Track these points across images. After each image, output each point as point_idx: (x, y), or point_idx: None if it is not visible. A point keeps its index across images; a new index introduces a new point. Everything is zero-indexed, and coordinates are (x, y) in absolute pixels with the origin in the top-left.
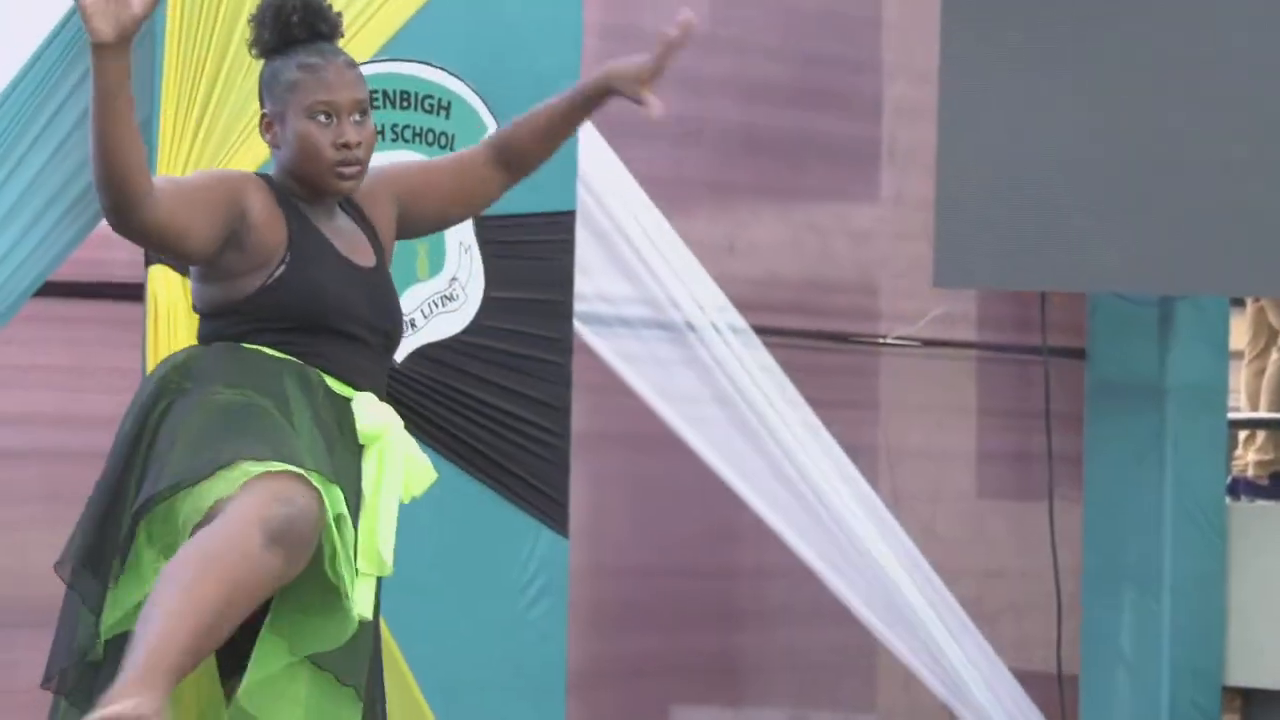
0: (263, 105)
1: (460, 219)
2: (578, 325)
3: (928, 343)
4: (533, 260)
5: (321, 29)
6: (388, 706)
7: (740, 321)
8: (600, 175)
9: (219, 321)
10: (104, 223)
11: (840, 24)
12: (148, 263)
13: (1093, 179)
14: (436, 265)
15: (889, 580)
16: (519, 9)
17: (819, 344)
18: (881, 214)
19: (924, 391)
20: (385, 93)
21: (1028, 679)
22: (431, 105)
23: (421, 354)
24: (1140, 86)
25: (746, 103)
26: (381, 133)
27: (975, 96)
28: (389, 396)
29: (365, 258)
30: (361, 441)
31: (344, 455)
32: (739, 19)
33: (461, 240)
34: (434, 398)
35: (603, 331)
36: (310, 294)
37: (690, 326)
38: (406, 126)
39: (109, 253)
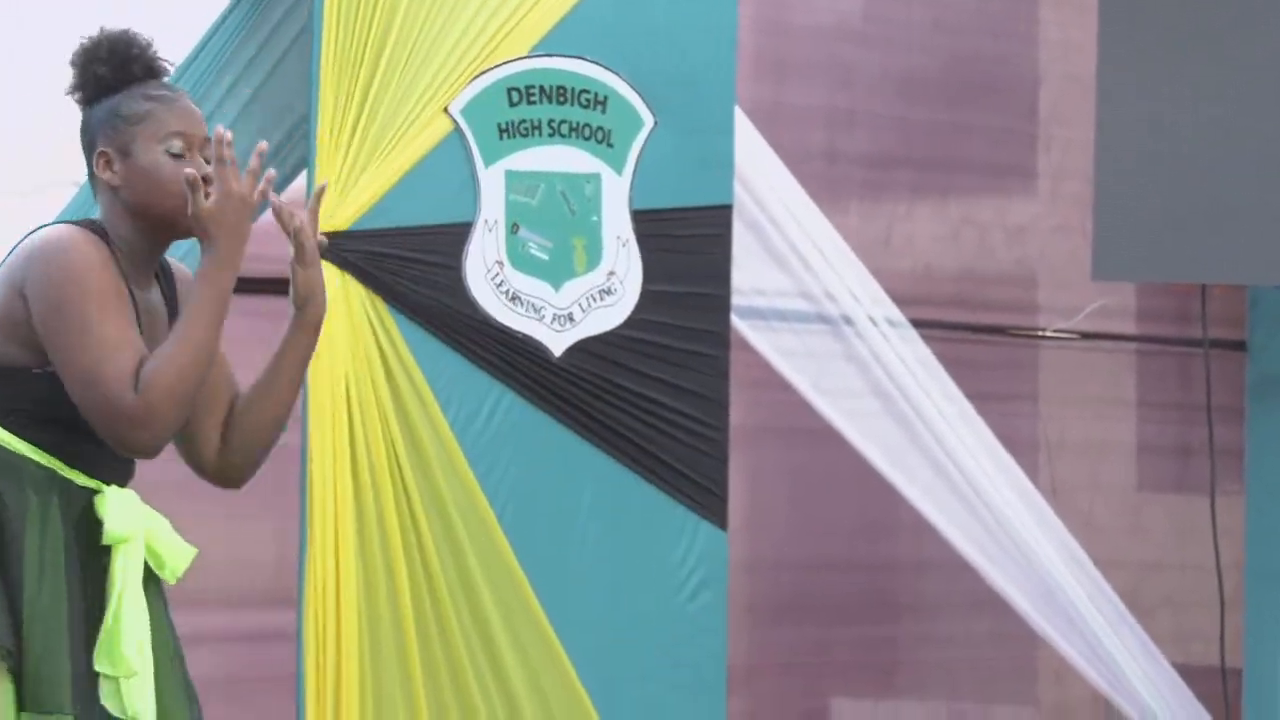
0: (97, 144)
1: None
2: (735, 320)
3: (1086, 335)
4: (690, 254)
5: (156, 69)
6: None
7: (897, 315)
8: (756, 169)
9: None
10: (261, 218)
11: (995, 16)
12: None
13: (1254, 170)
14: (594, 259)
15: (1047, 573)
16: (674, 3)
17: (977, 337)
18: (1039, 207)
19: (1083, 384)
20: (542, 88)
21: (1186, 673)
22: (588, 100)
23: (579, 348)
24: None
25: (901, 96)
26: (538, 127)
27: (1134, 87)
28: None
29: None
30: (106, 541)
31: (88, 561)
32: (891, 13)
33: (619, 234)
34: (592, 391)
35: (760, 326)
36: None
37: (847, 320)
38: (563, 121)
39: (265, 247)
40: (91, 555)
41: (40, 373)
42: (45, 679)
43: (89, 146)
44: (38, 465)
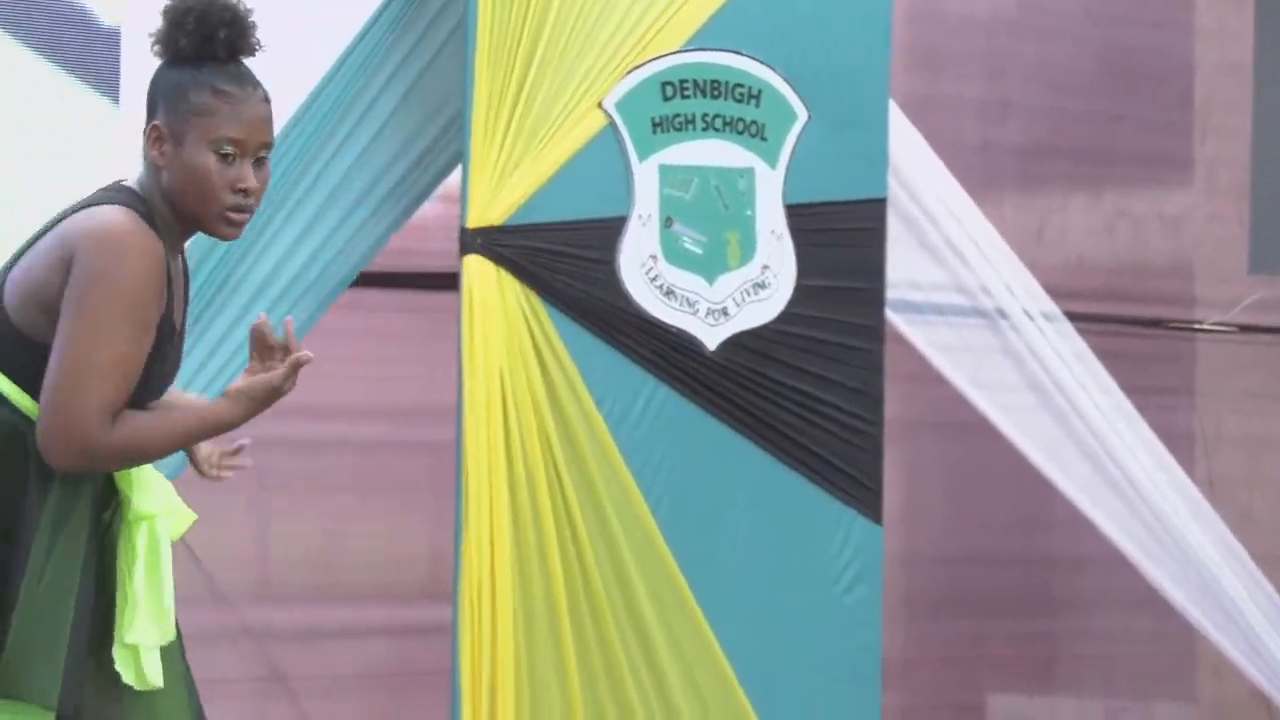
0: (154, 114)
1: None
2: (889, 314)
3: (1244, 328)
4: (844, 248)
5: (243, 48)
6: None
7: (1052, 308)
8: (910, 162)
9: (23, 356)
10: (418, 213)
11: (1150, 4)
12: (462, 252)
13: None
14: (748, 253)
15: (1204, 567)
16: None
17: (1132, 330)
18: (1194, 197)
19: (1241, 377)
20: (695, 82)
21: None
22: (742, 94)
23: (734, 342)
24: None
25: (1054, 87)
26: (692, 121)
27: None
28: None
29: (179, 314)
30: (131, 519)
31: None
32: (1045, 2)
33: (773, 228)
34: (747, 385)
35: (914, 319)
36: (143, 385)
37: (1002, 314)
38: (717, 116)
39: (420, 243)
40: (102, 525)
41: None
42: (31, 667)
43: (149, 109)
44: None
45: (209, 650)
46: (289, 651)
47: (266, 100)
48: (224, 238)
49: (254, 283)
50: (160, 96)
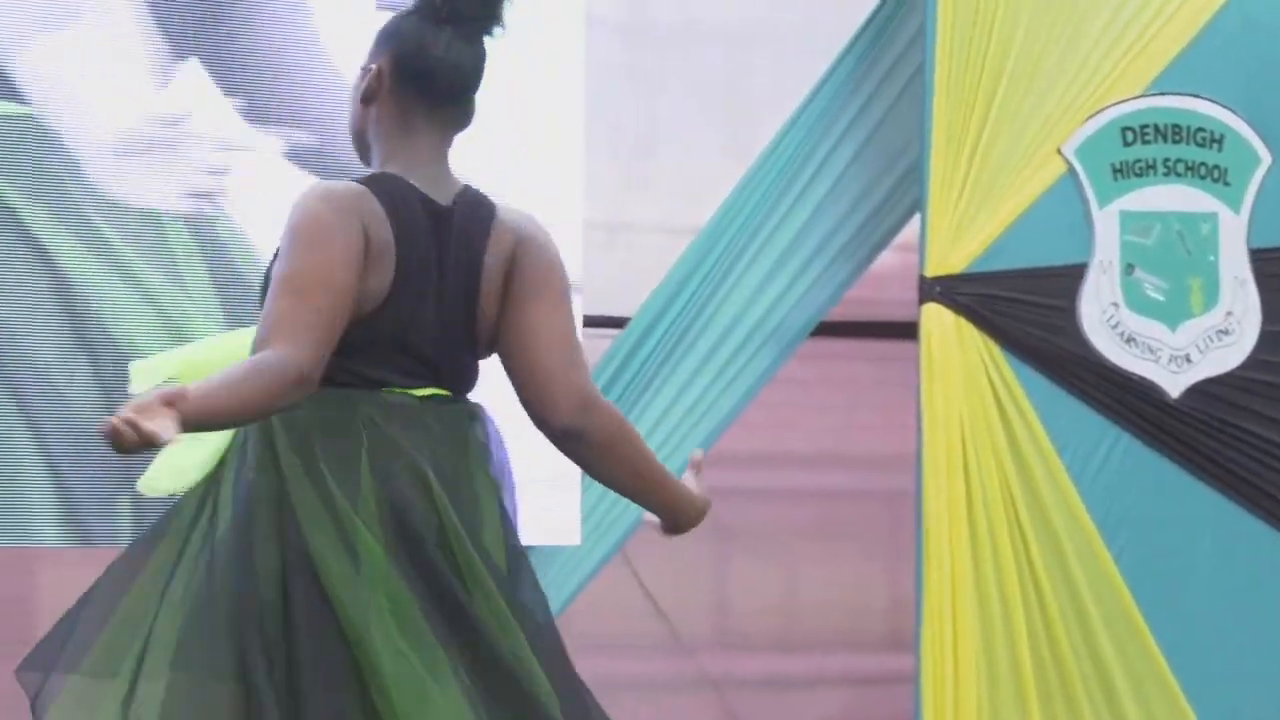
0: (372, 59)
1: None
2: None
3: None
4: None
5: None
6: None
7: None
8: None
9: None
10: (876, 262)
11: None
12: (921, 300)
13: None
14: (1211, 299)
15: None
16: None
17: None
18: None
19: None
20: (1156, 126)
21: None
22: (1204, 139)
23: (1197, 389)
24: None
25: None
26: (1153, 167)
27: None
28: None
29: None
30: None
31: None
32: None
33: (1237, 274)
34: (1211, 434)
35: None
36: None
37: None
38: (1179, 160)
39: (879, 292)
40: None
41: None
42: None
43: None
44: None
45: (670, 698)
46: (750, 700)
47: None
48: None
49: (717, 329)
50: (395, 48)
